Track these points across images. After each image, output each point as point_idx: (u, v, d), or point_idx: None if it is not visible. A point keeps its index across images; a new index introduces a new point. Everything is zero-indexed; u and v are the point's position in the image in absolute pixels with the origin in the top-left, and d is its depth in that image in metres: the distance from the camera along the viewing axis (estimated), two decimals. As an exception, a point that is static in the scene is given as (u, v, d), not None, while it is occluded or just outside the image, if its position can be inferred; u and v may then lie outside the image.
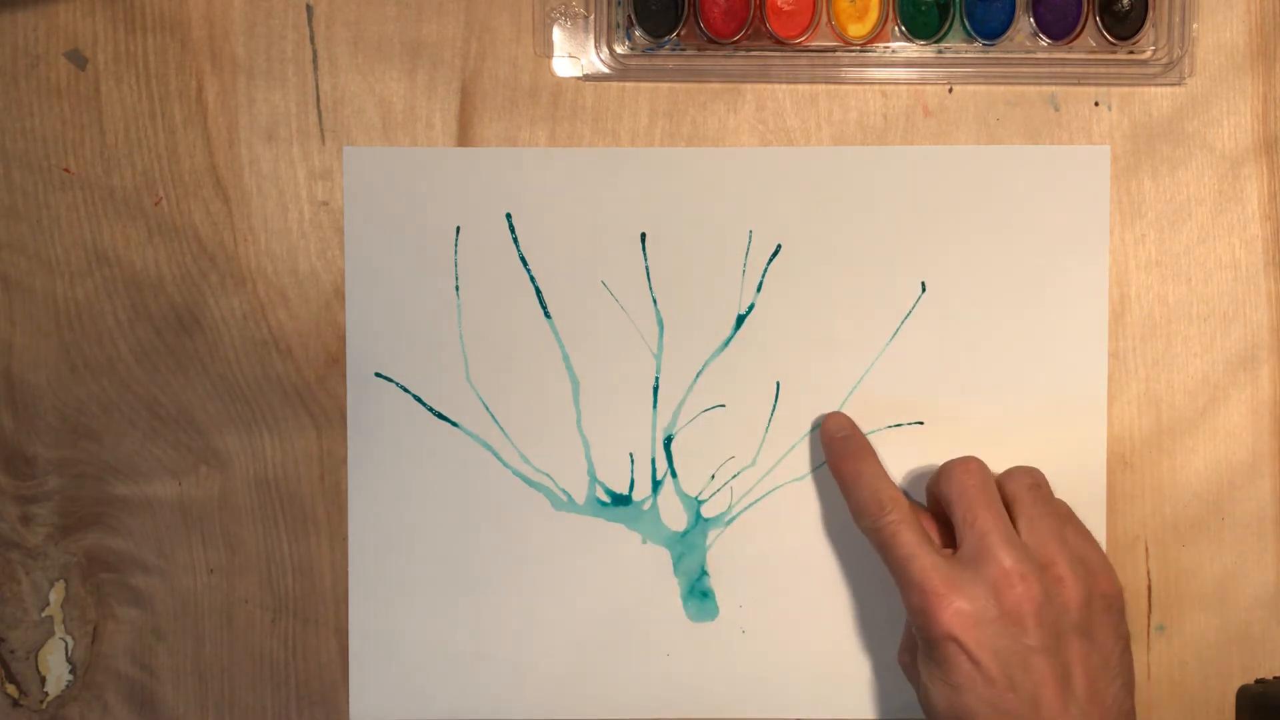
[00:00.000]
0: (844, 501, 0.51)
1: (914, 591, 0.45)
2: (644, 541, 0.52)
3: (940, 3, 0.50)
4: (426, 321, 0.51)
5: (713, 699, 0.52)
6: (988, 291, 0.51)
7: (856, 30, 0.50)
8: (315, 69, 0.51)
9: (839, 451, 0.50)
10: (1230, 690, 0.52)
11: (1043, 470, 0.49)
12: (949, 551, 0.47)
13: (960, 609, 0.44)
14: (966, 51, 0.51)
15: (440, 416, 0.52)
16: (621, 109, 0.51)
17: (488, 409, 0.52)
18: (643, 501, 0.52)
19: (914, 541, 0.46)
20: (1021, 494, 0.48)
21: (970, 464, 0.48)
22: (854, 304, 0.51)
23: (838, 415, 0.51)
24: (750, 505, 0.52)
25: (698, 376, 0.52)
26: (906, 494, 0.49)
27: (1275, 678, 0.51)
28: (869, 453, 0.49)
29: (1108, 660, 0.45)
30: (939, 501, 0.48)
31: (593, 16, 0.50)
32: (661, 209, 0.51)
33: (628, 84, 0.51)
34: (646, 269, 0.52)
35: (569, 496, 0.52)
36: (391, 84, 0.51)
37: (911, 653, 0.48)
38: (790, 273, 0.51)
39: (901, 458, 0.52)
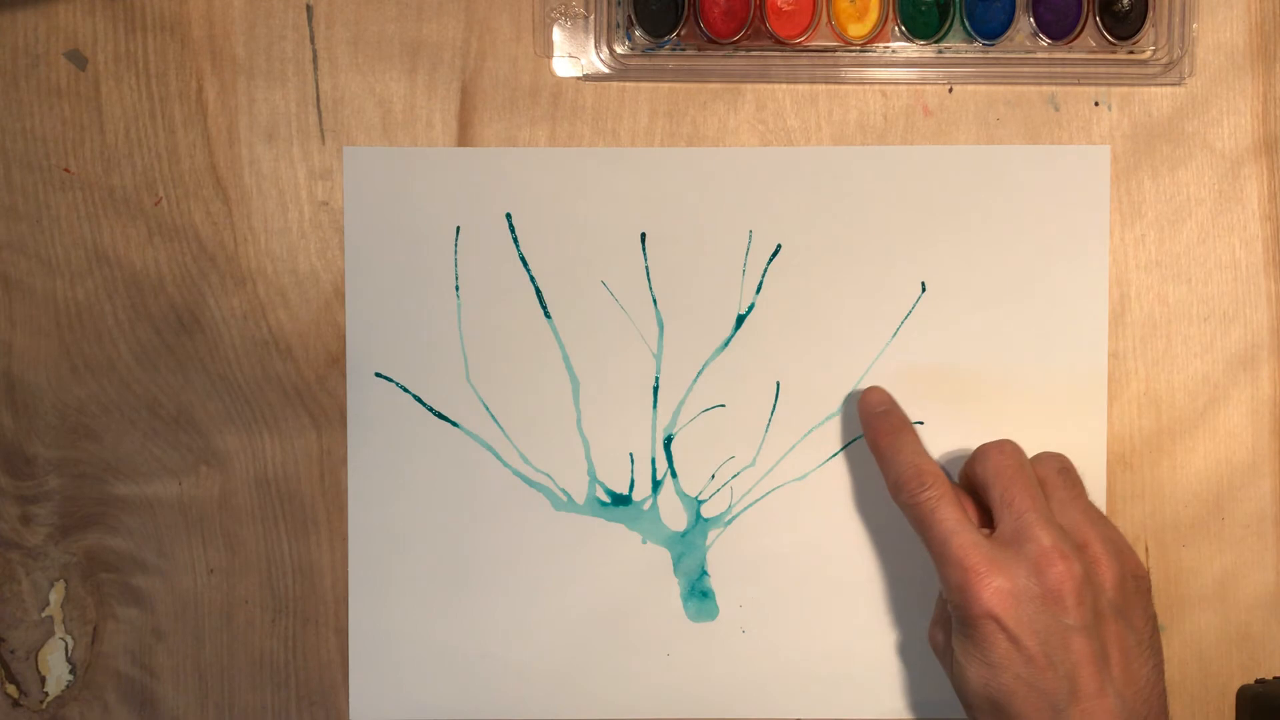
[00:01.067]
0: (844, 501, 0.51)
1: (953, 568, 0.45)
2: (644, 541, 0.52)
3: (940, 3, 0.50)
4: (426, 321, 0.51)
5: (713, 699, 0.52)
6: (988, 291, 0.51)
7: (856, 30, 0.50)
8: (315, 69, 0.51)
9: (878, 426, 0.49)
10: (1230, 690, 0.52)
11: (1043, 470, 0.49)
12: (986, 531, 0.46)
13: (1001, 587, 0.44)
14: (966, 51, 0.51)
15: (440, 416, 0.52)
16: (621, 109, 0.51)
17: (488, 409, 0.52)
18: (643, 501, 0.52)
19: (954, 518, 0.46)
20: (1052, 477, 0.48)
21: (1005, 446, 0.48)
22: (854, 304, 0.51)
23: (876, 390, 0.51)
24: (750, 505, 0.52)
25: (698, 376, 0.52)
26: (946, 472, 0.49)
27: (1275, 678, 0.52)
28: (908, 428, 0.49)
29: (1141, 640, 0.45)
30: (974, 483, 0.48)
31: (593, 16, 0.50)
32: (661, 209, 0.51)
33: (628, 84, 0.51)
34: (646, 269, 0.52)
35: (569, 496, 0.52)
36: (391, 84, 0.51)
37: (944, 630, 0.48)
38: (790, 273, 0.51)
39: (901, 458, 0.52)
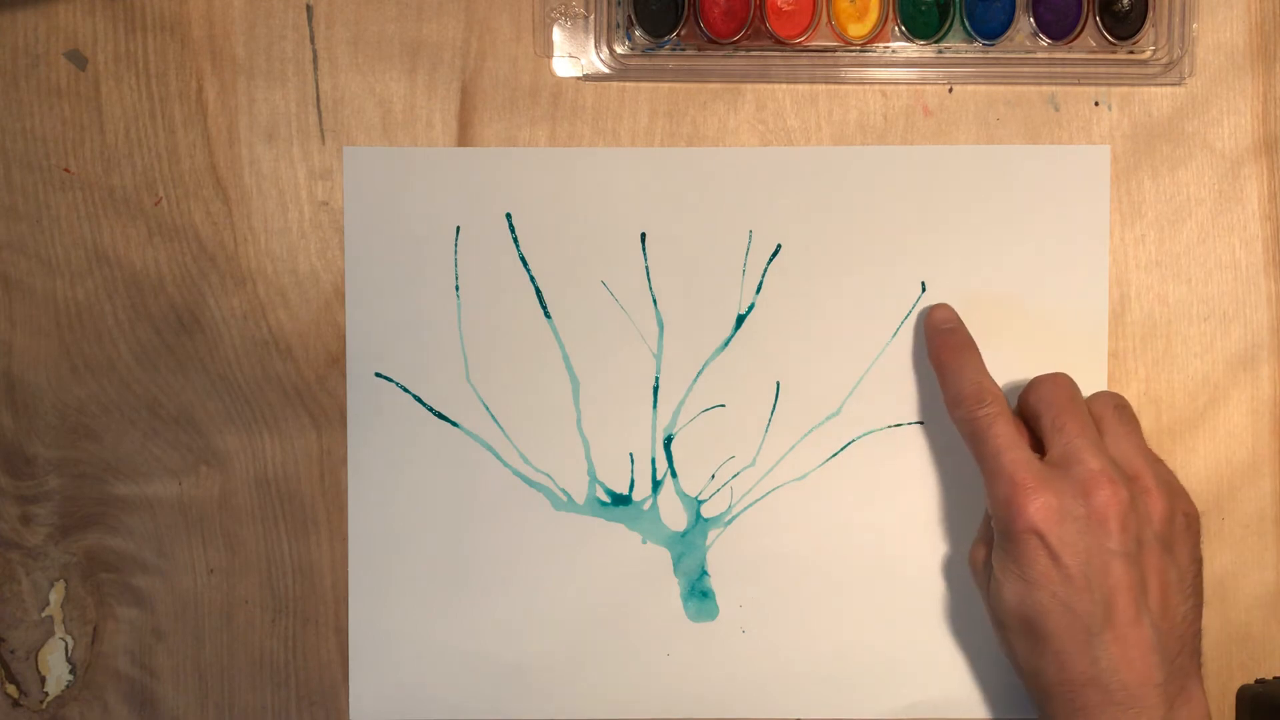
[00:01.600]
0: (844, 501, 0.51)
1: (1002, 482, 0.45)
2: (644, 541, 0.52)
3: (940, 3, 0.50)
4: (426, 321, 0.51)
5: (713, 699, 0.52)
6: (988, 291, 0.51)
7: (856, 30, 0.50)
8: (315, 69, 0.51)
9: (943, 343, 0.50)
10: (1230, 690, 0.52)
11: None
12: (1038, 456, 0.47)
13: (1047, 503, 0.44)
14: (966, 51, 0.51)
15: (440, 416, 0.52)
16: (621, 109, 0.51)
17: (488, 409, 0.52)
18: (643, 501, 0.52)
19: (1008, 435, 0.46)
20: (1107, 413, 0.48)
21: (1060, 377, 0.48)
22: (854, 304, 0.51)
23: (944, 307, 0.51)
24: (750, 505, 0.52)
25: (698, 376, 0.52)
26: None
27: (1275, 678, 0.51)
28: (973, 347, 0.49)
29: (1183, 577, 0.46)
30: (1027, 414, 0.48)
31: (593, 16, 0.50)
32: (661, 209, 0.51)
33: (628, 84, 0.51)
34: (646, 269, 0.52)
35: (569, 496, 0.52)
36: (391, 84, 0.51)
37: (986, 548, 0.48)
38: (790, 273, 0.51)
39: (901, 458, 0.52)
